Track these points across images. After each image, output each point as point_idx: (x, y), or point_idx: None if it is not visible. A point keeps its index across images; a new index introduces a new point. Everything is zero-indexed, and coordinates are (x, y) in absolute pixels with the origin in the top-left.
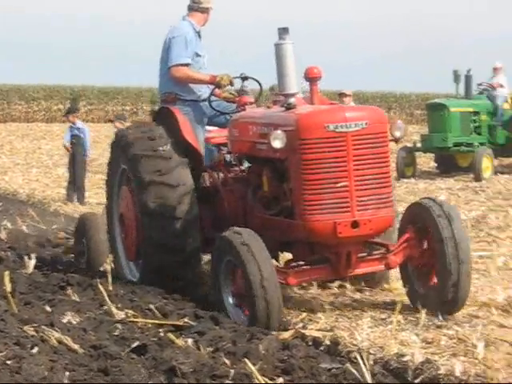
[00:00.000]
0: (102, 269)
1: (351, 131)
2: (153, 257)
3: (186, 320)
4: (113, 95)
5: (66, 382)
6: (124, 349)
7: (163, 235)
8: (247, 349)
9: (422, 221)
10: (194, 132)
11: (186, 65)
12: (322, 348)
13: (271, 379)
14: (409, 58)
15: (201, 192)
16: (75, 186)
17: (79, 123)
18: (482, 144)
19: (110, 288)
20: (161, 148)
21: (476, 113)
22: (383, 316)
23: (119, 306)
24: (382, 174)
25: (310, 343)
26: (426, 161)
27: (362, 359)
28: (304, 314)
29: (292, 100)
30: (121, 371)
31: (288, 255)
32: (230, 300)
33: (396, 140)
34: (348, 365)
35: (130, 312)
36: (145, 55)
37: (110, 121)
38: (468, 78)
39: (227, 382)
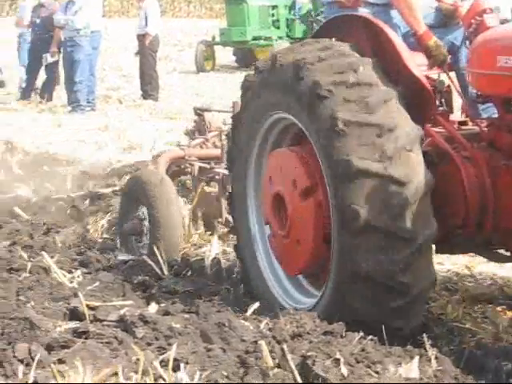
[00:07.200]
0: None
1: None
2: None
3: None
4: None
5: None
6: None
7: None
8: (44, 242)
9: None
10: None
11: None
12: None
13: (69, 272)
14: None
15: None
16: None
17: None
18: (280, 38)
19: None
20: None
21: (274, 7)
22: None
23: None
24: None
25: (107, 236)
26: (226, 54)
27: (160, 252)
28: None
29: None
30: None
31: None
32: None
33: None
34: (145, 257)
35: None
36: None
37: None
38: None
39: (24, 274)
